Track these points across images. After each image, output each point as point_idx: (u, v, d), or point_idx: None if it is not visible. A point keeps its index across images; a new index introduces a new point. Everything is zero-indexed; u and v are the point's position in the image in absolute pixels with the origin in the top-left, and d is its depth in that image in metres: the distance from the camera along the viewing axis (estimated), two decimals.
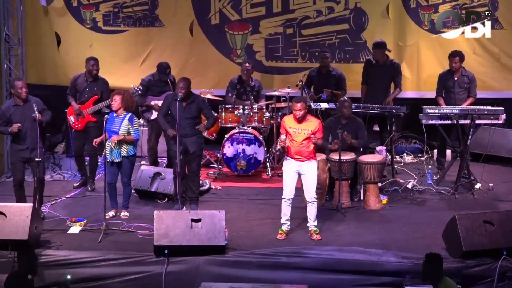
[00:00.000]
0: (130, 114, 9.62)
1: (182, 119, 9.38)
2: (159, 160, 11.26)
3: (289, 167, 8.96)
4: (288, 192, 8.93)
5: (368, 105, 10.92)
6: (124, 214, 9.64)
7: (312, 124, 8.99)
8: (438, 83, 11.19)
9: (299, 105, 8.91)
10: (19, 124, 9.29)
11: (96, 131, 10.48)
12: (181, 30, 12.64)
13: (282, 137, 8.91)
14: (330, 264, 8.28)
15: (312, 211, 8.94)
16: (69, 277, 7.83)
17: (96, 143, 9.62)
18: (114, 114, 9.57)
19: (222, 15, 12.60)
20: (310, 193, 8.93)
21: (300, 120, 8.93)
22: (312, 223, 8.96)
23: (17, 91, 9.40)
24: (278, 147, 9.06)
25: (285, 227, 8.99)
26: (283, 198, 8.96)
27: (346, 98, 10.38)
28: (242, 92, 11.60)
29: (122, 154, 9.48)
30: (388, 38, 11.84)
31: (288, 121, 9.05)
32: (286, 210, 8.96)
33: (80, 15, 12.64)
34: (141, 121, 11.76)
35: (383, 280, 8.17)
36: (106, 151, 9.44)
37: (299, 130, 8.92)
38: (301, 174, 8.94)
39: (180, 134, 9.35)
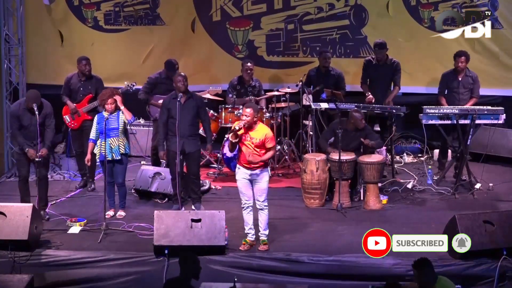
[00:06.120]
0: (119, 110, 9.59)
1: (180, 118, 9.34)
2: (161, 160, 11.22)
3: (241, 176, 8.60)
4: (246, 199, 8.64)
5: (368, 105, 10.91)
6: (120, 214, 9.65)
7: (259, 133, 8.50)
8: (441, 83, 11.10)
9: (248, 110, 8.43)
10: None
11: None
12: (182, 28, 12.65)
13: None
14: (330, 268, 8.26)
15: (262, 218, 8.68)
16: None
17: (88, 161, 9.64)
18: (105, 114, 9.49)
19: (224, 12, 12.62)
20: (259, 200, 8.66)
21: (247, 127, 8.46)
22: (262, 231, 8.69)
23: None
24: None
25: (249, 237, 8.68)
26: (243, 207, 8.66)
27: (359, 110, 10.31)
28: (243, 93, 11.49)
29: (121, 152, 9.47)
30: (388, 35, 11.83)
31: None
32: (248, 218, 8.67)
33: (81, 14, 12.62)
34: (141, 121, 11.78)
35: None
36: (105, 150, 9.38)
37: (248, 137, 8.53)
38: (253, 182, 8.64)
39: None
